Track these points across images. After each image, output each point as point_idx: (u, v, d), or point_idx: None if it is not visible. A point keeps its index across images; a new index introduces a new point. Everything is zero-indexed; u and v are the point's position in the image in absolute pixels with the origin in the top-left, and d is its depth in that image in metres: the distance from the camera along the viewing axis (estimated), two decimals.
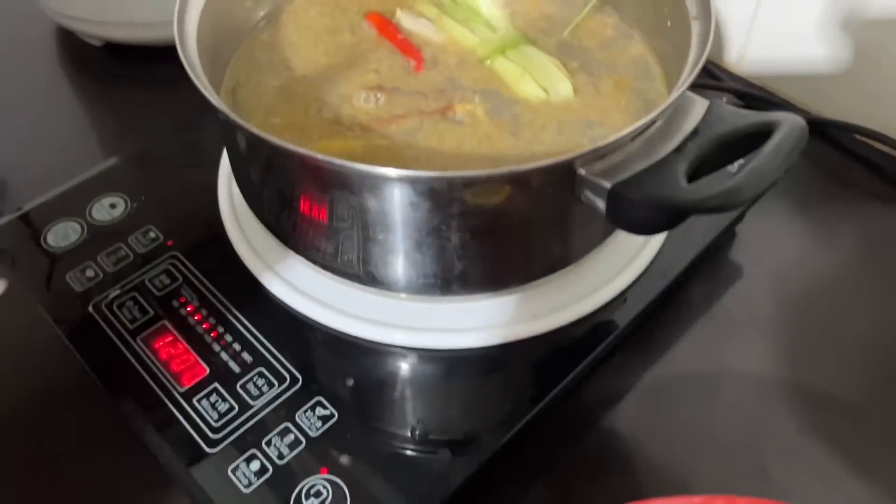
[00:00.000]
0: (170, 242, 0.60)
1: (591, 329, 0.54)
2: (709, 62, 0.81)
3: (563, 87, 0.56)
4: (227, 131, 0.51)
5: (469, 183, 0.43)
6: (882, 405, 0.54)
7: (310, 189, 0.46)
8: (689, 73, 0.45)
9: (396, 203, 0.44)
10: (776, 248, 0.65)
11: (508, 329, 0.53)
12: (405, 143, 0.53)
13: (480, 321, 0.53)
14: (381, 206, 0.44)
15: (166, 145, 0.69)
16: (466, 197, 0.43)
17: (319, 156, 0.41)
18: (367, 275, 0.50)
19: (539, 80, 0.56)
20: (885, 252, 0.65)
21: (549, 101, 0.56)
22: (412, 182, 0.42)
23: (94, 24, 0.82)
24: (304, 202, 0.47)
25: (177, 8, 0.52)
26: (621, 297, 0.55)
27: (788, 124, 0.42)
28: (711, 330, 0.58)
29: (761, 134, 0.43)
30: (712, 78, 0.81)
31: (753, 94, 0.78)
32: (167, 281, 0.57)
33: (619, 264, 0.56)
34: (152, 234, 0.60)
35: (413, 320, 0.53)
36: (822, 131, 0.75)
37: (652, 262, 0.57)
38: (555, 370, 0.52)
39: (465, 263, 0.48)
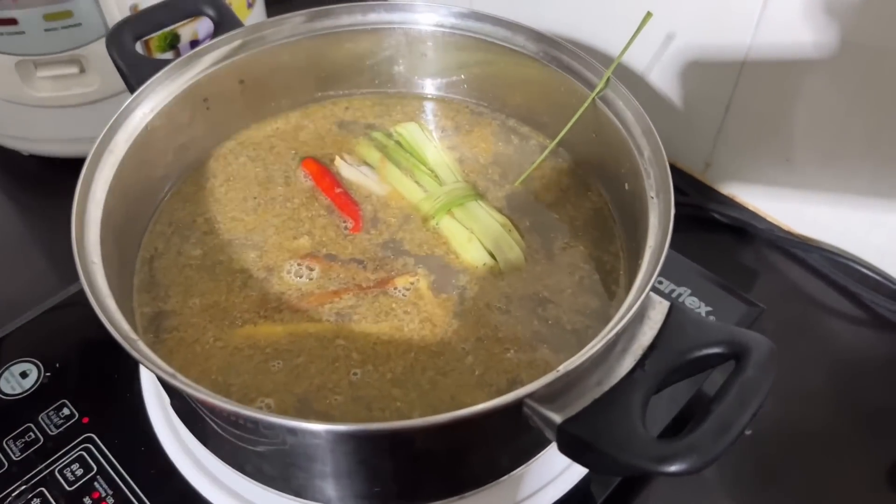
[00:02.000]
0: (85, 420, 0.54)
1: None
2: (673, 169, 0.77)
3: (512, 254, 0.51)
4: None
5: (397, 434, 0.38)
6: None
7: (225, 423, 0.41)
8: (642, 289, 0.40)
9: (321, 446, 0.39)
10: None
11: None
12: (337, 329, 0.48)
13: None
14: (303, 448, 0.39)
15: None
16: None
17: (231, 407, 0.35)
18: (293, 490, 0.45)
19: (487, 246, 0.52)
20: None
21: (497, 270, 0.51)
22: (336, 435, 0.37)
23: (17, 139, 0.76)
24: (221, 429, 0.42)
25: (83, 173, 0.47)
26: None
27: (758, 354, 0.37)
28: None
29: (726, 355, 0.39)
30: (677, 192, 0.76)
31: (719, 211, 0.74)
32: (80, 472, 0.52)
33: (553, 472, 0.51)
34: (66, 411, 0.54)
35: None
36: (788, 251, 0.71)
37: None
38: None
39: (397, 484, 0.43)
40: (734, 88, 0.69)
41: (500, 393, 0.44)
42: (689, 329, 0.41)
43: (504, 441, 0.44)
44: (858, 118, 0.62)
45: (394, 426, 0.36)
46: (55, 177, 0.78)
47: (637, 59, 0.73)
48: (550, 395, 0.38)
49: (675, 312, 0.41)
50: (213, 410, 0.40)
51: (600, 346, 0.38)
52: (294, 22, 0.57)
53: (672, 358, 0.40)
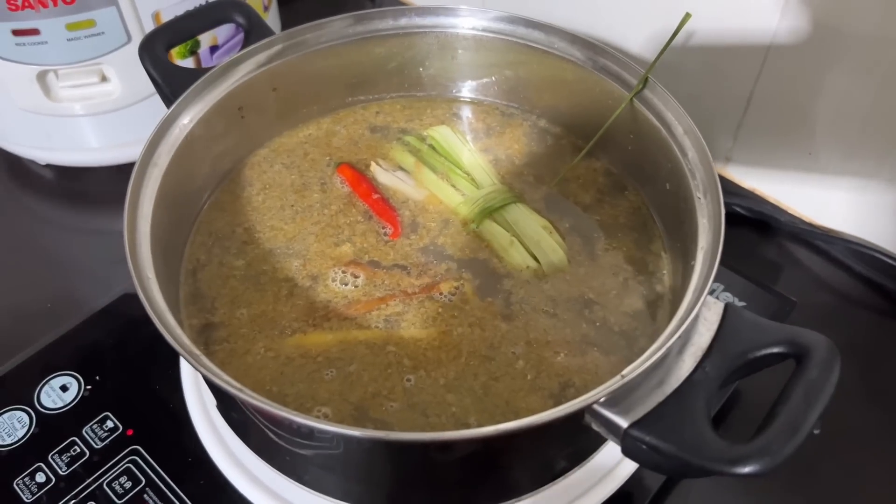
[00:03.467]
0: (129, 432, 0.54)
1: None
2: None
3: (556, 257, 0.52)
4: None
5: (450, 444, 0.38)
6: None
7: (282, 430, 0.41)
8: (700, 291, 0.41)
9: (385, 455, 0.39)
10: None
11: None
12: (386, 335, 0.48)
13: None
14: (366, 457, 0.39)
15: (126, 302, 0.62)
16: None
17: (287, 414, 0.36)
18: (351, 498, 0.45)
19: (530, 248, 0.52)
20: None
21: (541, 273, 0.51)
22: (405, 445, 0.37)
23: (36, 148, 0.76)
24: (282, 440, 0.42)
25: (130, 188, 0.47)
26: None
27: (820, 353, 0.38)
28: None
29: (786, 355, 0.40)
30: None
31: (741, 205, 0.74)
32: (129, 484, 0.52)
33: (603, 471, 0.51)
34: (110, 424, 0.54)
35: None
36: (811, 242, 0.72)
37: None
38: None
39: (449, 492, 0.43)
40: (755, 83, 0.69)
41: (553, 397, 0.45)
42: (747, 329, 0.41)
43: (559, 446, 0.44)
44: (883, 111, 0.63)
45: (464, 435, 0.37)
46: (73, 186, 0.78)
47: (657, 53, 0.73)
48: (614, 400, 0.38)
49: (731, 312, 0.42)
50: (282, 424, 0.40)
51: (664, 350, 0.38)
52: (331, 28, 0.57)
53: (732, 359, 0.40)
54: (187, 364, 0.56)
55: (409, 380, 0.46)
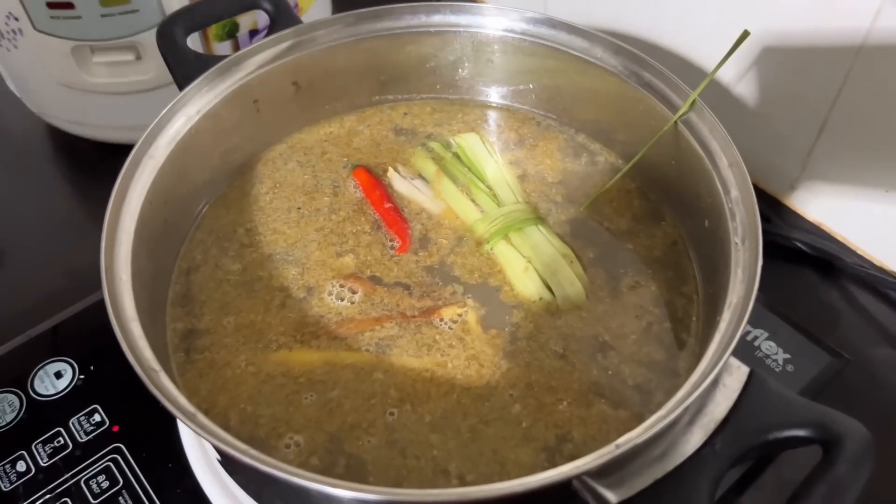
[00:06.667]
0: (115, 428, 0.52)
1: None
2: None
3: (572, 290, 0.47)
4: None
5: None
6: None
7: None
8: (720, 354, 0.35)
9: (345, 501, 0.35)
10: None
11: None
12: (376, 361, 0.44)
13: None
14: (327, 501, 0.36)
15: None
16: None
17: (259, 465, 0.32)
18: None
19: (545, 278, 0.47)
20: None
21: (554, 307, 0.47)
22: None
23: (73, 123, 0.75)
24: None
25: (117, 184, 0.44)
26: None
27: (852, 445, 0.32)
28: None
29: (812, 440, 0.34)
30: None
31: (802, 240, 0.67)
32: (106, 484, 0.50)
33: None
34: (97, 417, 0.53)
35: None
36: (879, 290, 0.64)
37: None
38: None
39: None
40: (832, 106, 0.62)
41: (546, 450, 0.41)
42: (771, 403, 0.36)
43: None
44: None
45: (423, 497, 0.33)
46: (108, 162, 0.77)
47: (721, 71, 0.66)
48: (606, 471, 0.34)
49: (755, 381, 0.36)
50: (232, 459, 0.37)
51: (668, 421, 0.33)
52: (350, 22, 0.53)
53: (748, 436, 0.35)
54: None
55: (392, 413, 0.42)
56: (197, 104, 0.49)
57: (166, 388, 0.35)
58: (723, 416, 0.35)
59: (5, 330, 0.57)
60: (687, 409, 0.34)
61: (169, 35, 0.52)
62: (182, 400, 0.35)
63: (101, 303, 0.58)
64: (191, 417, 0.34)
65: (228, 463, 0.44)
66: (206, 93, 0.49)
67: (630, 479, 0.34)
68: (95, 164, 0.77)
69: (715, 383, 0.36)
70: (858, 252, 0.67)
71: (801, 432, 0.34)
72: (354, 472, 0.40)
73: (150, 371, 0.36)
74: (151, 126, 0.46)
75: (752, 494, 0.50)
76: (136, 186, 0.44)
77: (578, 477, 0.33)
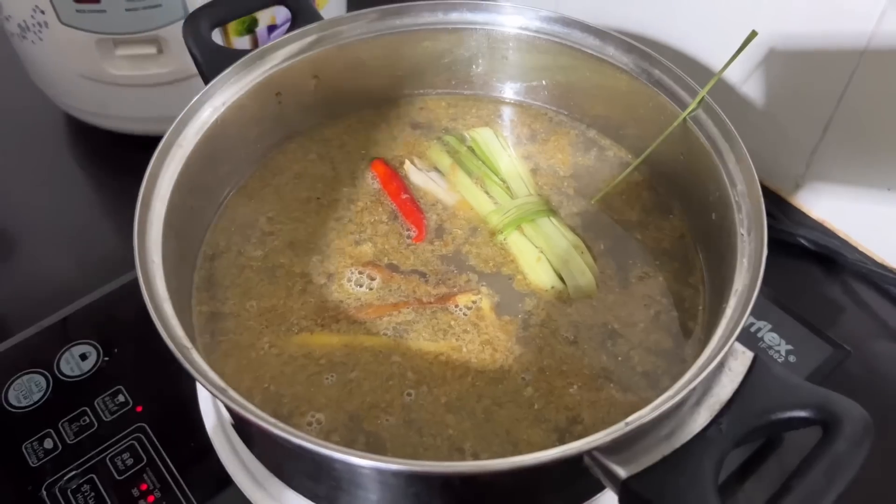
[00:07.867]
0: (139, 408, 0.54)
1: None
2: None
3: (583, 280, 0.48)
4: None
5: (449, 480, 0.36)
6: None
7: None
8: (726, 339, 0.37)
9: (368, 475, 0.37)
10: None
11: None
12: (393, 344, 0.46)
13: None
14: (349, 475, 0.38)
15: None
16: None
17: (289, 437, 0.34)
18: None
19: (557, 268, 0.49)
20: None
21: (566, 296, 0.48)
22: (380, 471, 0.35)
23: (94, 115, 0.77)
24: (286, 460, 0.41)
25: (149, 168, 0.46)
26: None
27: (851, 425, 0.34)
28: None
29: (813, 420, 0.36)
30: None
31: (806, 236, 0.69)
32: (130, 461, 0.52)
33: None
34: (121, 398, 0.55)
35: None
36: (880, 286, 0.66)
37: None
38: None
39: None
40: (835, 109, 0.64)
41: (557, 431, 0.42)
42: (774, 386, 0.37)
43: (558, 485, 0.41)
44: None
45: (442, 469, 0.35)
46: (129, 154, 0.78)
47: (728, 71, 0.68)
48: (616, 447, 0.35)
49: (759, 365, 0.38)
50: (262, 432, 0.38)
51: (675, 401, 0.35)
52: (372, 18, 0.55)
53: (752, 417, 0.36)
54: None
55: (409, 394, 0.44)
56: (223, 96, 0.51)
57: (199, 364, 0.37)
58: (728, 397, 0.37)
59: (32, 314, 0.59)
60: (694, 390, 0.36)
61: (195, 30, 0.54)
62: (213, 375, 0.37)
63: (123, 288, 0.61)
64: (222, 392, 0.36)
65: (252, 438, 0.46)
66: (232, 85, 0.51)
67: (639, 455, 0.35)
68: (112, 153, 0.79)
69: (721, 367, 0.38)
70: (860, 249, 0.69)
71: (802, 413, 0.36)
72: (373, 449, 0.41)
73: (183, 348, 0.37)
74: (181, 115, 0.48)
75: (754, 482, 0.52)
76: (166, 173, 0.46)
77: (589, 452, 0.35)
